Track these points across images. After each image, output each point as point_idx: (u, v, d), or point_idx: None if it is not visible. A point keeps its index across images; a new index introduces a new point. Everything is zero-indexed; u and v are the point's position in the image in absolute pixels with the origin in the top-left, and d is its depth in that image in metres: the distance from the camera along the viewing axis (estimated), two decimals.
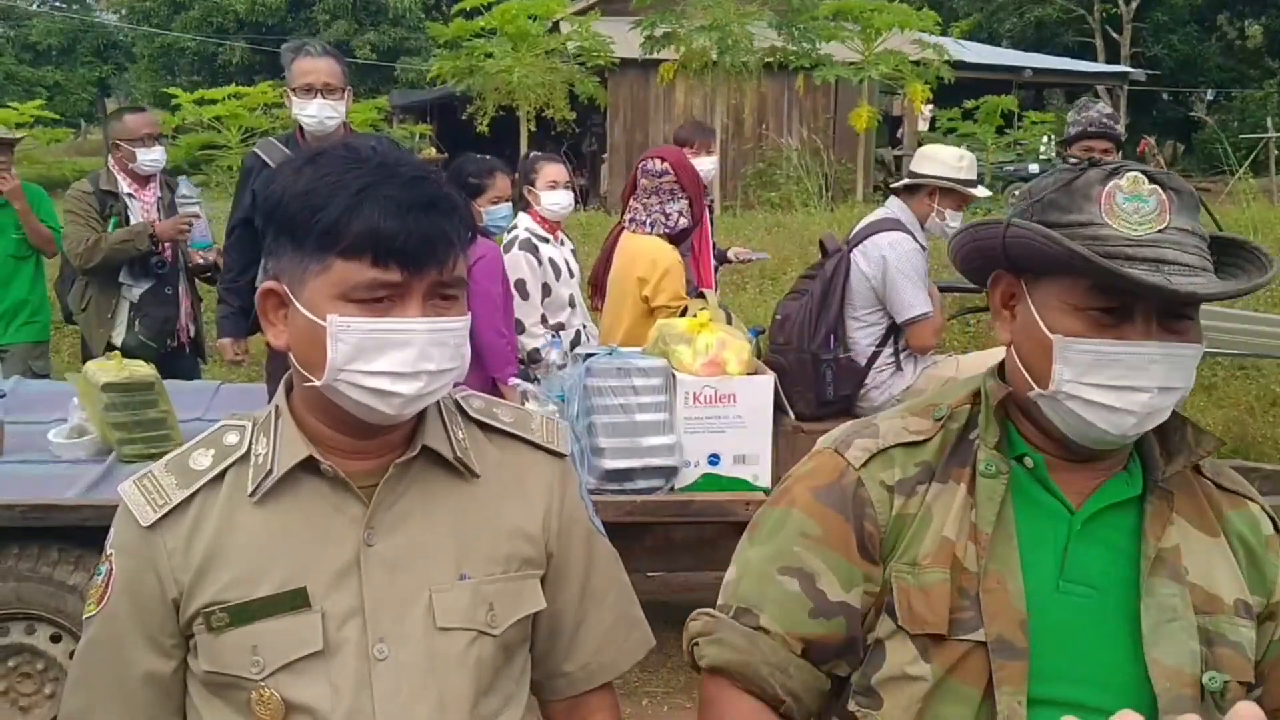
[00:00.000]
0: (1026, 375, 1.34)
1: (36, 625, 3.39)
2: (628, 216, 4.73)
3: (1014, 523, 1.33)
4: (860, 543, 1.36)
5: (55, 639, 3.40)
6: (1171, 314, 1.28)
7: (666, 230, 4.56)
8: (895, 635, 1.33)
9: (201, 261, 5.01)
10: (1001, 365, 1.43)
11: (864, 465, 1.38)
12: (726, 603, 1.42)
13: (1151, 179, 1.28)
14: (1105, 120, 4.92)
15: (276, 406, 1.39)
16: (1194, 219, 1.29)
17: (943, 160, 4.40)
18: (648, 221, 4.60)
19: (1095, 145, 4.88)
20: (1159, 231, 1.25)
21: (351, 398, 1.29)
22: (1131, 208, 1.26)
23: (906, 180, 4.48)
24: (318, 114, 4.17)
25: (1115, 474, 1.37)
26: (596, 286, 4.99)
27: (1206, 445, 1.38)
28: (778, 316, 4.48)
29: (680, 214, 4.57)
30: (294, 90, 4.20)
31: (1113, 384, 1.27)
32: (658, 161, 4.63)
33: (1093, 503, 1.35)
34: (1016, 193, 1.45)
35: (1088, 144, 4.89)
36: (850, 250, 4.34)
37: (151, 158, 5.03)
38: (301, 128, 4.27)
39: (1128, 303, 1.26)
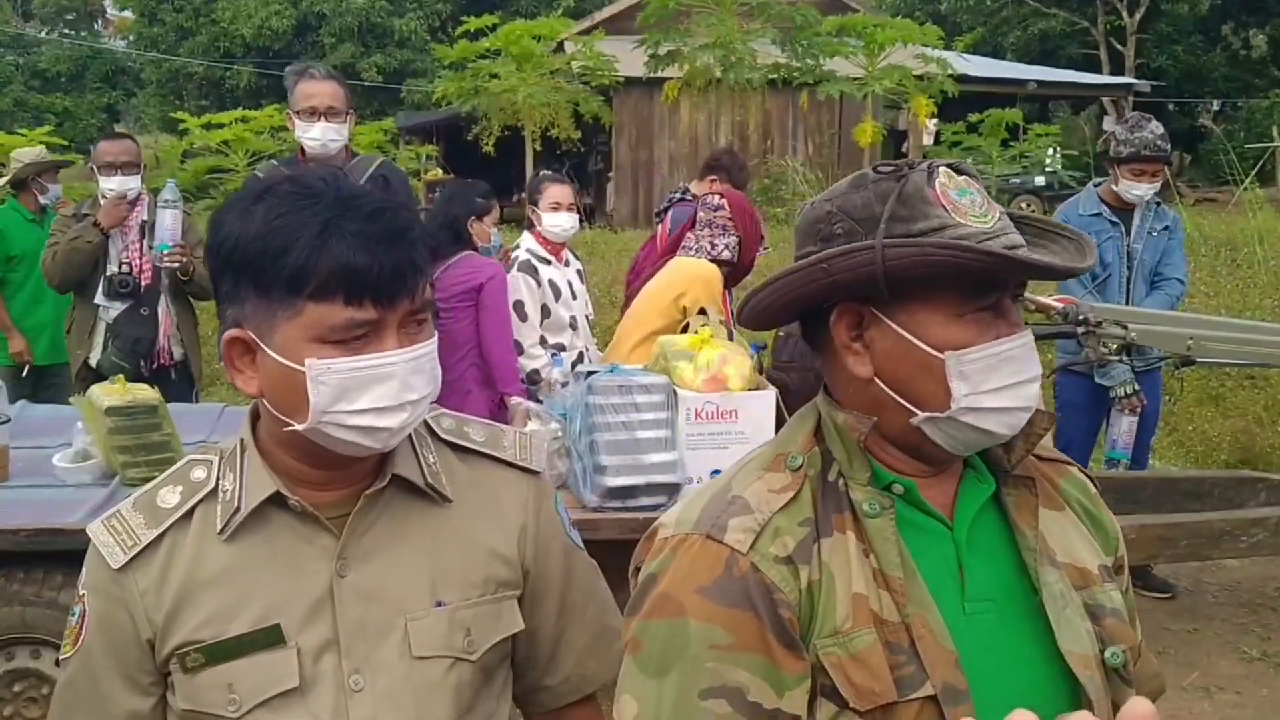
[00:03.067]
0: (905, 404, 1.23)
1: (42, 650, 3.38)
2: (683, 246, 5.14)
3: (911, 556, 1.23)
4: (780, 636, 1.18)
5: (60, 663, 3.40)
6: (1014, 300, 1.26)
7: (710, 257, 4.90)
8: (839, 717, 1.19)
9: (169, 265, 4.88)
10: (827, 394, 1.32)
11: (752, 547, 1.20)
12: None
13: (958, 171, 1.25)
14: (1159, 143, 4.86)
15: (241, 440, 1.38)
16: None
17: None
18: (695, 249, 5.02)
19: (1148, 168, 4.85)
20: (998, 219, 1.23)
21: (336, 438, 1.28)
22: (968, 202, 1.22)
23: None
24: (321, 137, 4.18)
25: (964, 475, 1.31)
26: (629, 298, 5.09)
27: (1041, 423, 1.30)
28: (780, 334, 4.50)
29: (727, 248, 4.98)
30: (297, 113, 4.21)
31: (1008, 383, 1.21)
32: (716, 197, 5.18)
33: (962, 512, 1.28)
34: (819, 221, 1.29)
35: (1140, 166, 4.85)
36: None
37: (109, 186, 4.94)
38: (304, 150, 4.30)
39: (998, 299, 1.23)
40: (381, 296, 1.24)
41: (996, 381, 1.21)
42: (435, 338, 1.33)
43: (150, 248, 4.98)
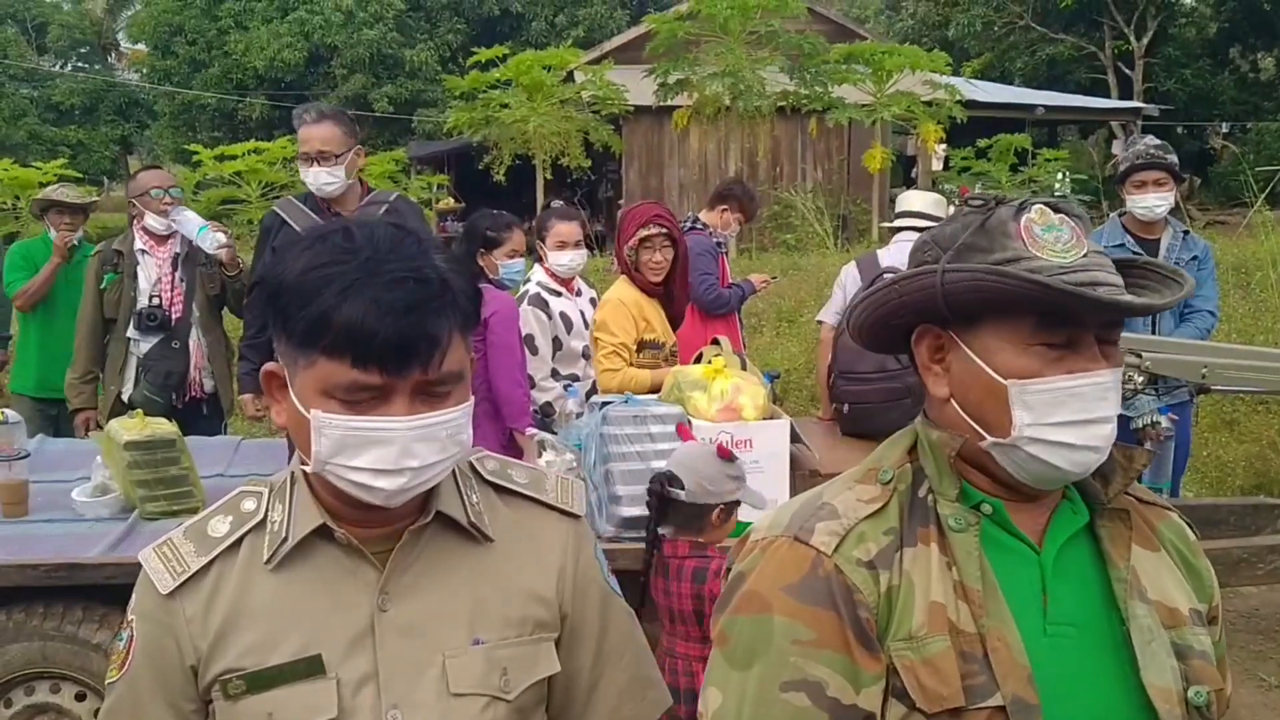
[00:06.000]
0: (976, 426, 1.29)
1: (62, 684, 3.40)
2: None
3: (993, 573, 1.28)
4: (858, 635, 1.24)
5: (80, 697, 3.41)
6: (1105, 339, 1.27)
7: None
8: (909, 718, 1.24)
9: (218, 237, 4.80)
10: (925, 415, 1.38)
11: (836, 550, 1.27)
12: None
13: (1055, 209, 1.28)
14: (1154, 151, 4.84)
15: (293, 473, 1.41)
16: (1096, 243, 1.29)
17: (938, 202, 5.13)
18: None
19: (1147, 177, 4.82)
20: (1084, 256, 1.25)
21: (339, 486, 1.32)
22: (1051, 237, 1.25)
23: (927, 223, 4.80)
24: (314, 182, 4.26)
25: (1058, 506, 1.34)
26: None
27: (1139, 461, 1.34)
28: (846, 347, 4.54)
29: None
30: (299, 156, 4.27)
31: (1074, 419, 1.24)
32: None
33: (1052, 539, 1.31)
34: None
35: (1140, 177, 4.83)
36: None
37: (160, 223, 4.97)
38: None
39: (1073, 334, 1.24)
40: (389, 364, 1.25)
41: (1061, 416, 1.24)
42: (465, 405, 1.34)
43: (181, 280, 5.01)
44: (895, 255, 4.94)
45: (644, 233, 4.52)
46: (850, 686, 1.24)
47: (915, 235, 5.01)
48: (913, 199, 5.23)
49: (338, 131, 4.27)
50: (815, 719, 1.24)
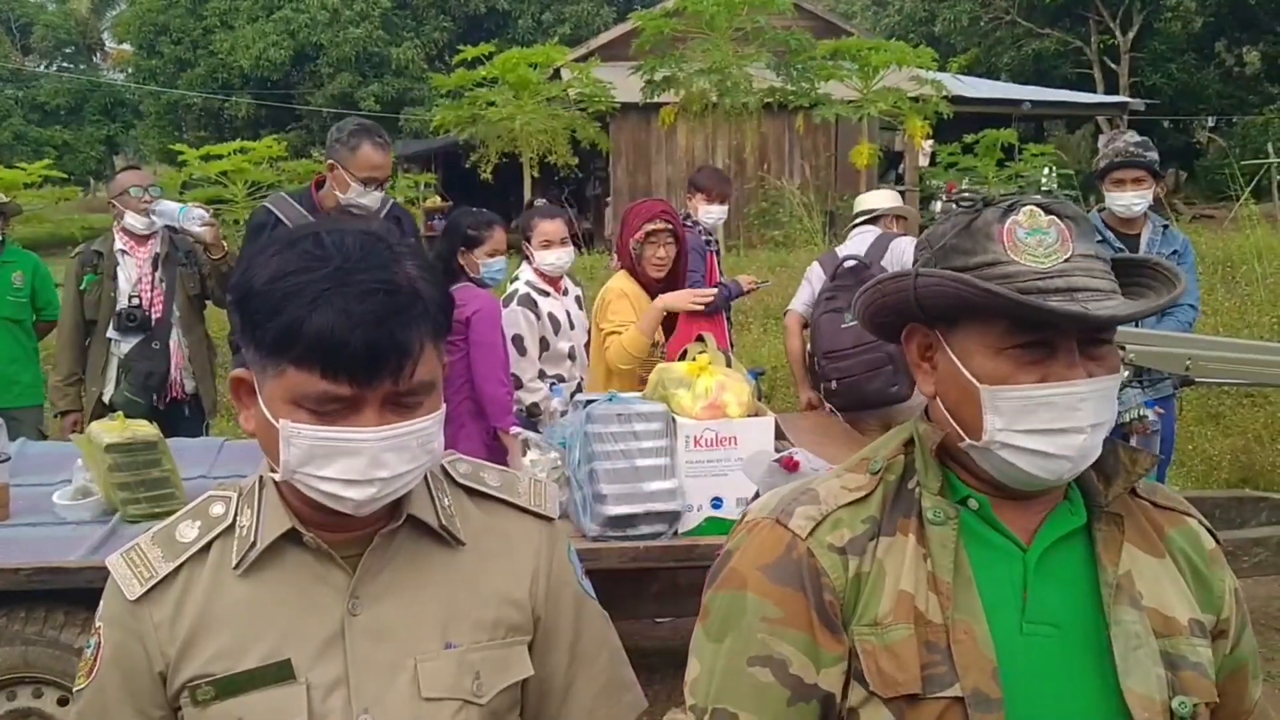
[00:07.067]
0: (956, 426, 1.30)
1: (44, 689, 3.38)
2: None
3: (970, 567, 1.29)
4: (822, 617, 1.28)
5: (63, 702, 3.38)
6: (1092, 341, 1.26)
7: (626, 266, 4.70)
8: (868, 703, 1.27)
9: (200, 214, 4.79)
10: (926, 411, 1.40)
11: (811, 534, 1.31)
12: (699, 704, 1.34)
13: (1048, 210, 1.27)
14: (1133, 149, 4.85)
15: (261, 477, 1.40)
16: (1093, 244, 1.28)
17: (887, 195, 5.75)
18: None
19: (1125, 176, 4.83)
20: (1065, 261, 1.24)
21: (308, 495, 1.31)
22: (1034, 241, 1.24)
23: (873, 213, 5.43)
24: (371, 202, 4.26)
25: (1057, 505, 1.34)
26: None
27: (1143, 464, 1.34)
28: (823, 329, 4.94)
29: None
30: (356, 178, 4.22)
31: (1047, 428, 1.23)
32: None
33: (1042, 538, 1.31)
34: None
35: (1118, 175, 4.85)
36: (875, 264, 4.91)
37: (141, 222, 4.96)
38: (318, 183, 4.32)
39: (1048, 338, 1.23)
40: (358, 375, 1.24)
41: (1032, 424, 1.24)
42: (438, 413, 1.32)
43: (161, 280, 4.98)
44: (852, 248, 5.30)
45: (650, 227, 4.52)
46: (812, 666, 1.28)
47: (869, 228, 5.30)
48: (866, 200, 5.70)
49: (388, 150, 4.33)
50: (777, 694, 1.29)
